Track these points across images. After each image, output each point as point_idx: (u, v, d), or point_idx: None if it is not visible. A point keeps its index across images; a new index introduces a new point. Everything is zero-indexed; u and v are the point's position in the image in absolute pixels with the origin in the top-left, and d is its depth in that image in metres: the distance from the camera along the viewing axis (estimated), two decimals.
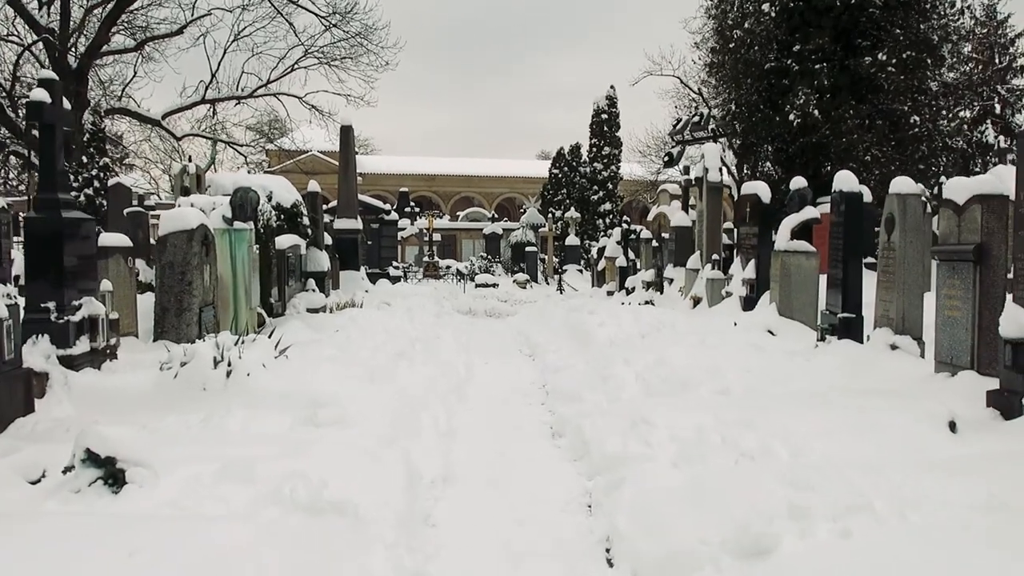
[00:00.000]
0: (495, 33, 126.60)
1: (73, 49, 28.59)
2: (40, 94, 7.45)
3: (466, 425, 7.83)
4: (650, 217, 25.03)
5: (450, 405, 8.54)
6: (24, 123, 27.89)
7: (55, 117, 7.60)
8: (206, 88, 32.51)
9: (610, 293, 22.59)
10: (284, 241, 14.78)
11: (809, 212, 10.21)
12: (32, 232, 7.44)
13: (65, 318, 7.33)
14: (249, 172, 21.54)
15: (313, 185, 17.89)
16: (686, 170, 19.90)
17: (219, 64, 34.46)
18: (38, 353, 7.01)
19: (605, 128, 39.03)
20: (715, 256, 13.56)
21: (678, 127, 21.31)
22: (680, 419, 6.08)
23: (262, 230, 12.76)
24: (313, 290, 16.27)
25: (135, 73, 33.04)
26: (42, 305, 7.28)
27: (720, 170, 14.43)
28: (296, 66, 33.36)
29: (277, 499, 4.11)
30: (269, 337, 8.29)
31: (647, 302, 15.38)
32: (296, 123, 38.03)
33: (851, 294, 8.78)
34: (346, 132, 21.59)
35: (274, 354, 7.45)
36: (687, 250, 16.79)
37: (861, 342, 8.64)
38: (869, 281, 9.94)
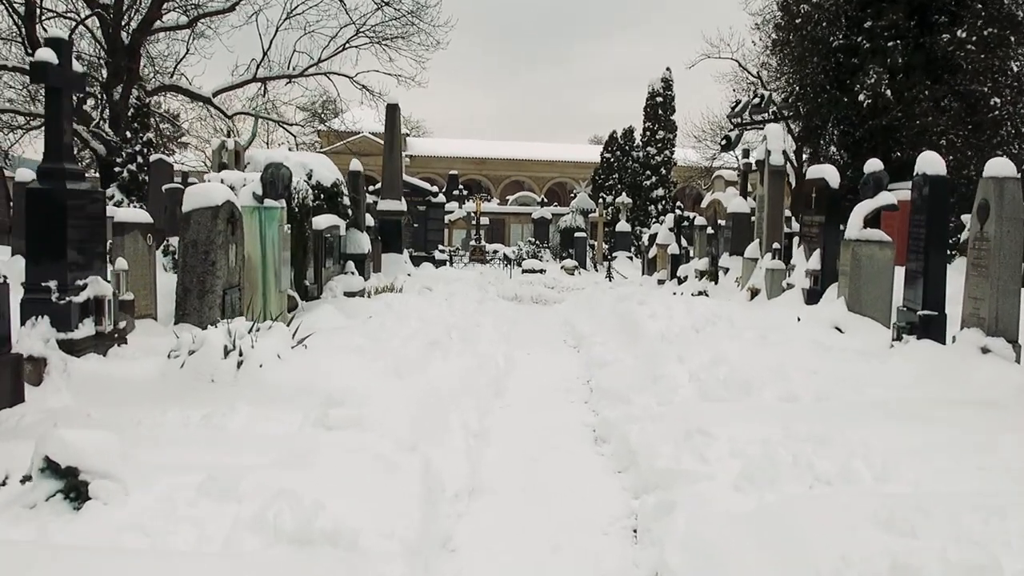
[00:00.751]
0: (546, 18, 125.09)
1: (126, 25, 28.46)
2: (46, 54, 6.86)
3: (500, 426, 7.13)
4: (704, 204, 24.08)
5: (484, 402, 7.85)
6: (76, 100, 27.94)
7: (62, 80, 7.01)
8: (257, 66, 32.23)
9: (661, 282, 21.71)
10: (322, 221, 14.20)
11: (885, 198, 9.29)
12: (34, 204, 6.87)
13: (67, 299, 6.75)
14: (291, 150, 20.98)
15: (355, 164, 17.29)
16: (745, 153, 18.91)
17: (271, 43, 34.15)
18: (36, 336, 6.45)
19: (660, 111, 37.85)
20: (776, 245, 12.64)
21: (737, 109, 20.28)
22: (742, 430, 5.30)
23: (296, 209, 12.16)
24: (352, 273, 15.71)
25: (188, 50, 32.86)
26: (43, 284, 6.71)
27: (784, 152, 13.46)
28: (347, 45, 32.97)
29: (259, 525, 3.43)
30: (288, 325, 7.63)
31: (700, 292, 14.52)
32: (347, 103, 37.69)
33: (933, 289, 7.87)
34: (392, 111, 20.96)
35: (291, 343, 6.81)
36: (745, 238, 15.85)
37: (943, 343, 7.74)
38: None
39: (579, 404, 8.33)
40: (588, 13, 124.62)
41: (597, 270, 30.98)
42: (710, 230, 17.47)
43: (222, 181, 10.91)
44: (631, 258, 33.17)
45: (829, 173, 11.27)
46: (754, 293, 12.84)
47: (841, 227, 10.45)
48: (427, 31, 32.32)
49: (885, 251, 9.07)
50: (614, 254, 32.45)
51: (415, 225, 28.79)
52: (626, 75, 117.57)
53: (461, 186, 44.95)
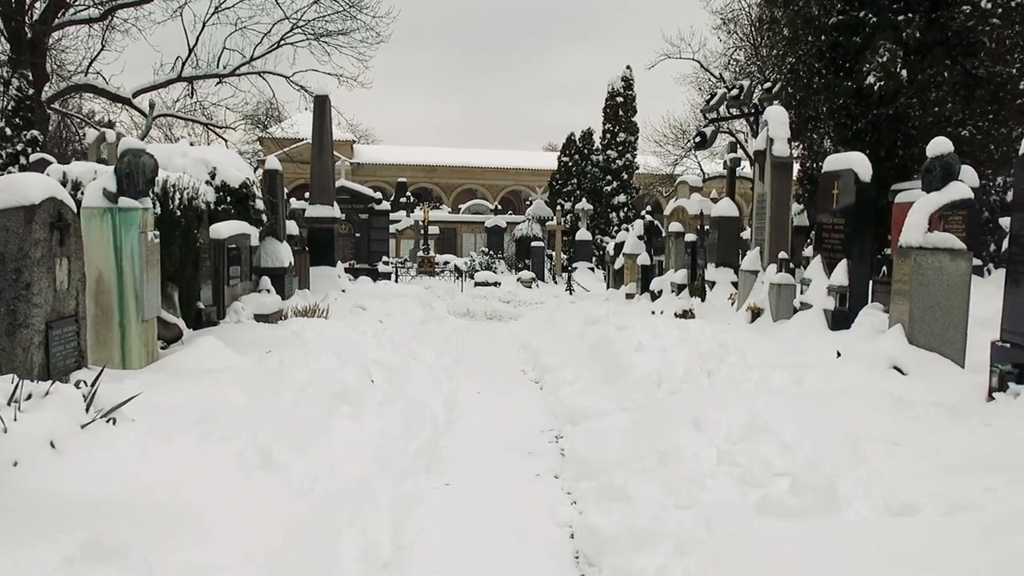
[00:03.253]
0: (504, 26, 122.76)
1: (30, 16, 25.54)
2: None
3: (429, 534, 4.59)
4: (667, 211, 21.82)
5: (409, 486, 5.31)
6: None
7: None
8: (183, 64, 29.47)
9: (630, 296, 19.35)
10: (223, 229, 11.55)
11: (958, 191, 6.93)
12: None
13: None
14: (192, 144, 18.17)
15: (272, 162, 14.64)
16: (732, 147, 16.59)
17: (197, 39, 31.27)
18: None
19: (620, 112, 35.39)
20: (782, 254, 10.28)
21: (712, 102, 17.97)
22: None
23: (179, 211, 9.50)
24: (268, 291, 13.07)
25: (103, 45, 30.05)
26: None
27: (789, 141, 11.13)
28: (283, 42, 30.50)
29: None
30: (146, 367, 4.92)
31: (685, 312, 12.10)
32: (284, 105, 35.12)
33: None
34: (321, 103, 18.33)
35: (84, 419, 4.19)
36: (732, 246, 13.52)
37: None
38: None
39: (547, 480, 5.85)
40: (544, 21, 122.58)
41: (556, 282, 28.63)
42: (689, 237, 15.08)
43: (64, 175, 8.25)
44: (593, 269, 30.84)
45: (858, 163, 8.92)
46: (755, 313, 10.45)
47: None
48: (368, 25, 29.87)
49: (959, 263, 6.68)
50: (574, 265, 30.09)
51: (357, 235, 26.22)
52: (583, 85, 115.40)
53: (411, 194, 42.36)
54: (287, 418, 5.40)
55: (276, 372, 7.02)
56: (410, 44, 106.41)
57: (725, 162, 15.76)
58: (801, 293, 9.91)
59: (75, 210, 6.89)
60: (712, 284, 13.25)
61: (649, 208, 22.66)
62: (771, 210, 11.08)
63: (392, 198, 38.36)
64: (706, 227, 14.15)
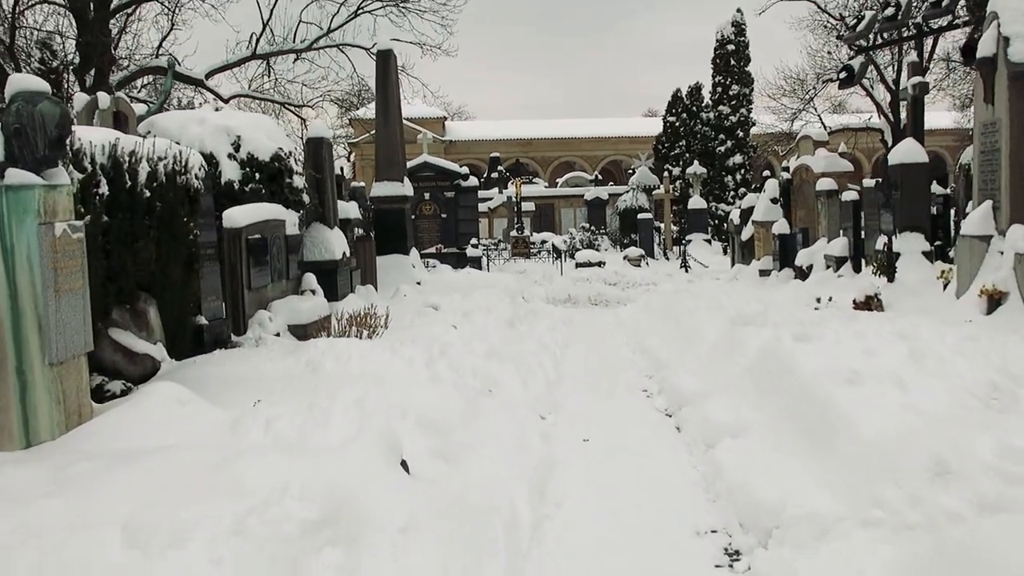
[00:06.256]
0: None
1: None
2: None
3: None
4: (790, 170, 18.25)
5: None
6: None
7: None
8: (257, 41, 27.19)
9: (764, 273, 15.95)
10: (239, 214, 8.73)
11: None
12: None
13: None
14: (217, 110, 15.53)
15: (317, 128, 11.74)
16: (916, 68, 12.80)
17: (271, 12, 29.00)
18: None
19: (732, 62, 31.33)
20: None
21: (859, 28, 14.30)
22: None
23: (148, 190, 6.62)
24: (311, 292, 10.26)
25: (172, 25, 28.07)
26: None
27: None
28: (360, 10, 27.88)
29: None
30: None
31: (869, 300, 8.68)
32: (365, 79, 32.67)
33: None
34: (384, 59, 15.45)
35: None
36: (922, 204, 10.00)
37: None
38: None
39: None
40: None
41: (668, 258, 25.27)
42: (848, 196, 11.58)
43: None
44: (709, 241, 27.25)
45: None
46: (994, 301, 7.01)
47: None
48: None
49: None
50: (688, 237, 26.60)
51: (443, 216, 23.45)
52: (683, 50, 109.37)
53: (502, 168, 39.33)
54: None
55: (235, 460, 4.04)
56: (502, 21, 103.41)
57: (905, 88, 12.14)
58: None
59: None
60: (898, 255, 9.77)
61: (786, 165, 19.14)
62: (1009, 143, 7.49)
63: (485, 174, 35.51)
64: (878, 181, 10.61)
